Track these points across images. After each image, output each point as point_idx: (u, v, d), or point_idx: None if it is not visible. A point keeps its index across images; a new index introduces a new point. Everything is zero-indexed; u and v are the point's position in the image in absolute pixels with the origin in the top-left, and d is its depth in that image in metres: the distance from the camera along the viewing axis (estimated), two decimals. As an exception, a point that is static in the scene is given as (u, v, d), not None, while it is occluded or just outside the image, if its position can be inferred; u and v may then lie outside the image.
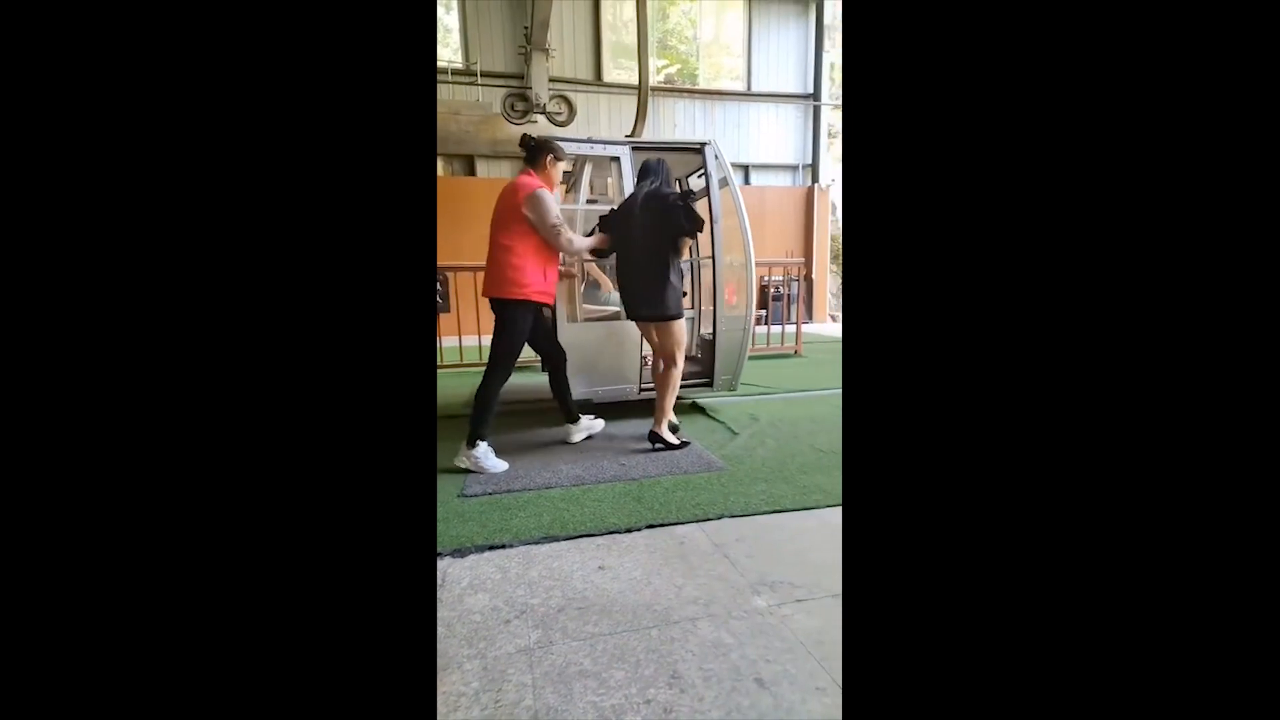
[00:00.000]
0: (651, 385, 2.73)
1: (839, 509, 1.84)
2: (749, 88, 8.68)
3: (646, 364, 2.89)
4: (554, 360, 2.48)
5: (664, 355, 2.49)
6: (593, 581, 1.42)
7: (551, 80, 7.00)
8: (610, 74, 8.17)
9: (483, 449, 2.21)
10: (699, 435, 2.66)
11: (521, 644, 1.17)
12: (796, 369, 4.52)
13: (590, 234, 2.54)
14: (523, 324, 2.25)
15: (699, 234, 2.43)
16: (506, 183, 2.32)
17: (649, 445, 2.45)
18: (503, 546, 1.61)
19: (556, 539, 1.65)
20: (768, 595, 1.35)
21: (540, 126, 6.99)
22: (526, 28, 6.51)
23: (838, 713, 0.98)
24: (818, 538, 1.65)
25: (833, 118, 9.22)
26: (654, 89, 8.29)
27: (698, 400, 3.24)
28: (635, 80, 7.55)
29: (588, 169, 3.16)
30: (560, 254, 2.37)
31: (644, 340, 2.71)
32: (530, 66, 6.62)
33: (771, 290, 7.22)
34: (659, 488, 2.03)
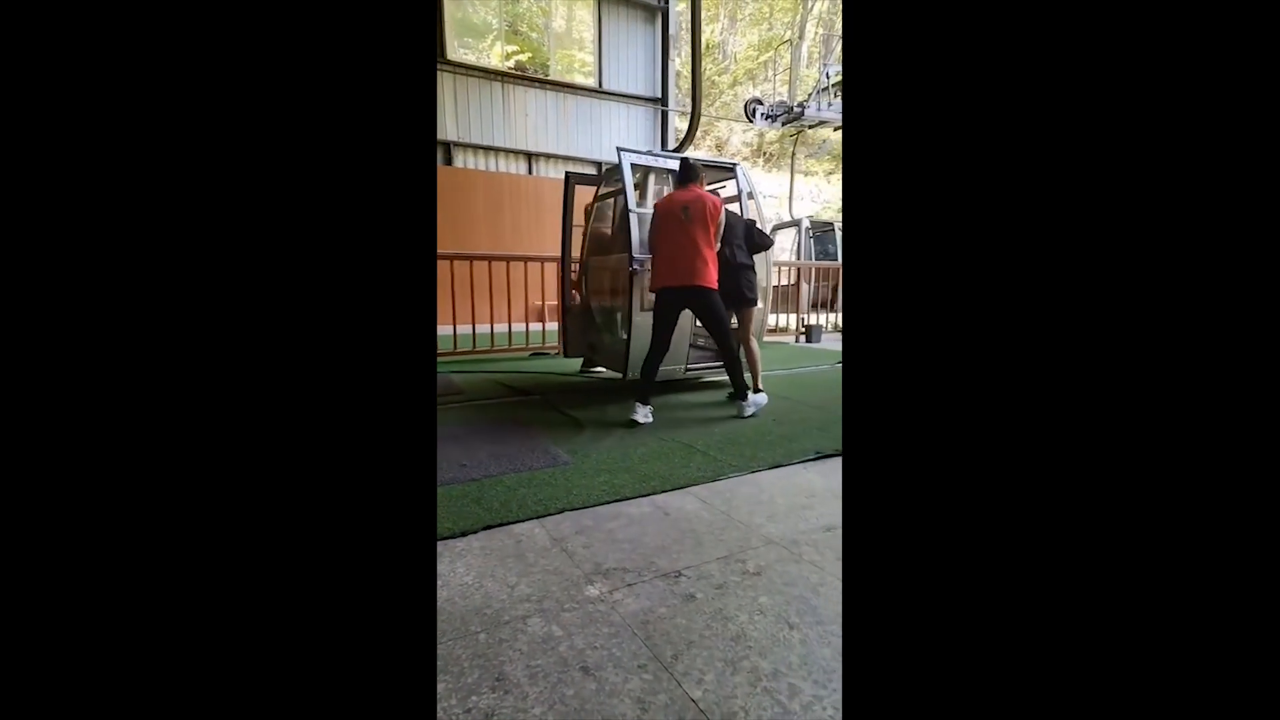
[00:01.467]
0: (695, 365, 3.56)
1: (674, 493, 1.96)
2: (600, 85, 8.78)
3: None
4: (733, 338, 3.05)
5: (742, 337, 3.21)
6: (419, 593, 1.33)
7: (387, 50, 6.37)
8: (455, 52, 7.70)
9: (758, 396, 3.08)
10: (689, 411, 2.65)
11: (328, 673, 1.06)
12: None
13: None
14: (720, 305, 2.89)
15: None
16: (687, 191, 2.88)
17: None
18: (314, 567, 1.43)
19: (380, 552, 1.52)
20: (600, 583, 1.38)
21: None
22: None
23: (658, 687, 1.03)
24: (652, 523, 1.73)
25: (679, 123, 9.72)
26: (505, 75, 8.01)
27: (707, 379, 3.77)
28: (484, 64, 7.16)
29: (651, 179, 3.69)
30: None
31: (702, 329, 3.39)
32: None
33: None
34: (500, 487, 1.98)
